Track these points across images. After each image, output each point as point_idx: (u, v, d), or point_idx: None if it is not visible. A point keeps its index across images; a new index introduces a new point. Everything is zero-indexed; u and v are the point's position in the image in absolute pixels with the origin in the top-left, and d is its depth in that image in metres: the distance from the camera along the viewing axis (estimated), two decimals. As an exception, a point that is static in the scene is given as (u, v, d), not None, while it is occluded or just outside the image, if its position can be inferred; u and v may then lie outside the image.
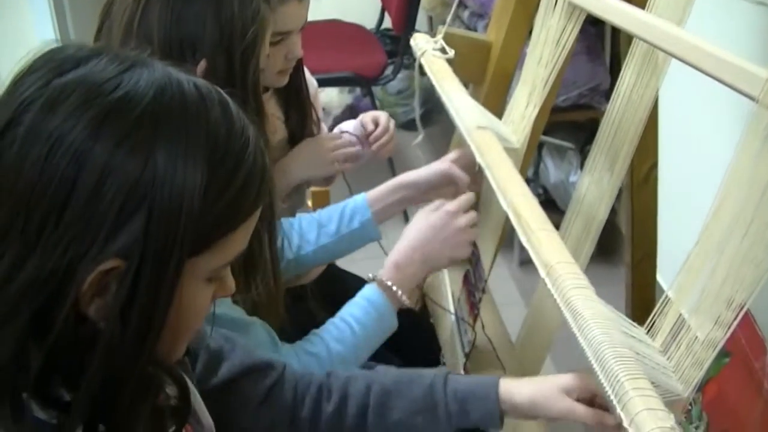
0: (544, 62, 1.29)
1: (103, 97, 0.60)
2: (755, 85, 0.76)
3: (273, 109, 1.42)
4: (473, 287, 1.47)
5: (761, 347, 0.99)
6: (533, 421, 1.29)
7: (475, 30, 2.64)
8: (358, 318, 1.13)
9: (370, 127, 1.54)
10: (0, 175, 0.60)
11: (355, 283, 1.50)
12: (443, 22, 1.55)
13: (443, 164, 1.35)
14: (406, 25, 3.09)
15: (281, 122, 1.44)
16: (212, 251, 0.65)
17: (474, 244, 1.33)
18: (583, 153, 2.57)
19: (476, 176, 1.33)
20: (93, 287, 0.60)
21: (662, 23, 0.94)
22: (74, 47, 0.65)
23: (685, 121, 1.94)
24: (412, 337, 1.20)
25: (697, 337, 0.84)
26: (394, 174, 2.89)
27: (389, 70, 3.17)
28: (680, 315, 0.88)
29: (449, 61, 1.47)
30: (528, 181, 1.31)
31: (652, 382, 0.74)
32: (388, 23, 3.54)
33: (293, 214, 1.41)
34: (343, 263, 1.59)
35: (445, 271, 1.66)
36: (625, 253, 1.63)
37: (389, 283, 1.15)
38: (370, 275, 1.17)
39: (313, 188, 1.69)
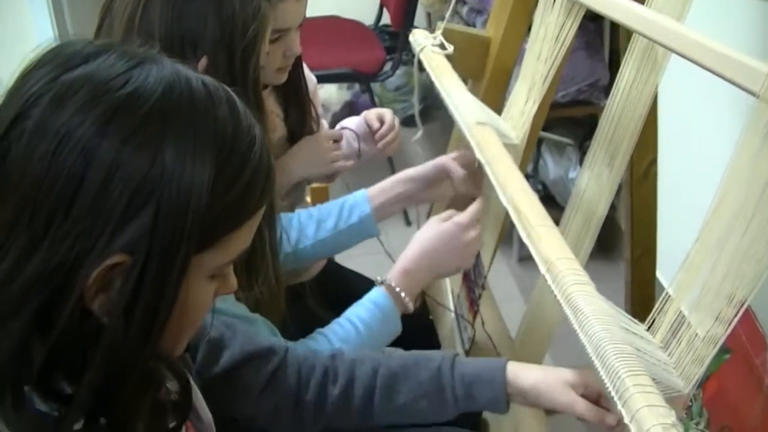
0: (543, 58, 1.28)
1: (112, 94, 0.60)
2: (756, 80, 0.76)
3: (272, 106, 1.42)
4: (473, 284, 1.47)
5: (762, 343, 0.99)
6: (534, 421, 1.29)
7: (474, 26, 2.64)
8: (364, 319, 1.13)
9: (376, 125, 1.54)
10: (8, 168, 0.60)
11: (355, 281, 1.50)
12: (442, 18, 1.55)
13: (440, 158, 1.37)
14: (405, 21, 3.08)
15: (280, 120, 1.44)
16: (217, 248, 0.65)
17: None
18: (582, 149, 2.57)
19: (476, 175, 1.33)
20: (98, 282, 0.60)
21: (662, 18, 0.94)
22: (82, 43, 0.65)
23: (684, 116, 1.94)
24: (411, 334, 1.20)
25: (697, 334, 0.84)
26: (393, 171, 2.92)
27: (388, 66, 3.17)
28: (680, 311, 0.88)
29: (448, 57, 1.47)
30: (527, 177, 1.31)
31: (653, 379, 0.74)
32: (386, 19, 3.53)
33: (292, 211, 1.40)
34: (341, 259, 1.59)
35: (445, 268, 1.66)
36: (624, 249, 1.63)
37: (398, 289, 1.16)
38: (379, 278, 1.18)
39: (313, 185, 1.69)
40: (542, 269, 0.90)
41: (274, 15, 1.13)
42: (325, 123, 1.61)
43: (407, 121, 3.08)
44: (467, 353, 1.45)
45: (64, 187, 0.59)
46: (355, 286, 1.31)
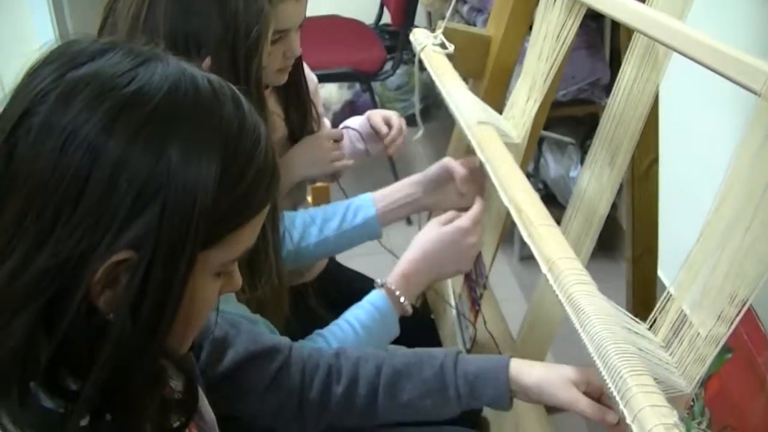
0: (544, 57, 1.28)
1: (118, 91, 0.61)
2: (757, 78, 0.75)
3: (273, 106, 1.42)
4: (474, 283, 1.47)
5: (764, 343, 0.99)
6: (535, 418, 1.29)
7: (475, 25, 2.63)
8: (363, 321, 1.13)
9: (384, 129, 1.54)
10: (15, 165, 0.60)
11: (356, 281, 1.50)
12: (442, 17, 1.55)
13: (443, 159, 1.38)
14: (405, 20, 3.08)
15: (281, 120, 1.44)
16: (222, 245, 0.65)
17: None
18: (583, 148, 2.56)
19: (479, 176, 1.33)
20: (104, 278, 0.61)
21: (663, 17, 0.94)
22: (88, 41, 0.65)
23: (686, 115, 1.94)
24: (413, 333, 1.20)
25: (699, 333, 0.83)
26: (394, 170, 2.92)
27: (388, 66, 3.17)
28: (682, 311, 0.88)
29: (449, 57, 1.47)
30: (528, 176, 1.31)
31: (655, 378, 0.74)
32: (387, 18, 3.53)
33: (295, 209, 1.41)
34: (342, 259, 1.59)
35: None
36: (625, 248, 1.63)
37: (397, 293, 1.17)
38: (378, 281, 1.18)
39: (317, 184, 1.69)
40: (544, 269, 0.90)
41: (275, 15, 1.14)
42: (327, 122, 1.61)
43: (408, 120, 3.06)
44: (469, 353, 1.45)
45: (70, 185, 0.59)
46: (357, 285, 1.31)
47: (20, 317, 0.60)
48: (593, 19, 2.32)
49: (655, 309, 0.91)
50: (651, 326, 0.91)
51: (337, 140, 1.49)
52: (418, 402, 0.97)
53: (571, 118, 2.58)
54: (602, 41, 2.44)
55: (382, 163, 2.83)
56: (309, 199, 1.68)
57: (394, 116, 1.55)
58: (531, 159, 2.51)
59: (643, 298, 1.61)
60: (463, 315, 1.52)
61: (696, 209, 0.91)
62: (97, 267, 0.60)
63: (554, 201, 2.59)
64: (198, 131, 0.62)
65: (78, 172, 0.59)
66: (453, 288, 1.62)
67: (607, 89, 2.37)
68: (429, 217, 1.65)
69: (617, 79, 1.15)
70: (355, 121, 1.59)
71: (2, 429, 0.61)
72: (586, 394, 0.91)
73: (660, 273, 1.68)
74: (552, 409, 1.05)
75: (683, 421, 0.86)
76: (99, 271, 0.60)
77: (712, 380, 1.03)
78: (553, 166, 2.61)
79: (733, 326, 0.80)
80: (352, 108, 3.47)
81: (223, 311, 0.82)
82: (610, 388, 0.74)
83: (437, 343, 1.60)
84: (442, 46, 1.48)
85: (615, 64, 2.38)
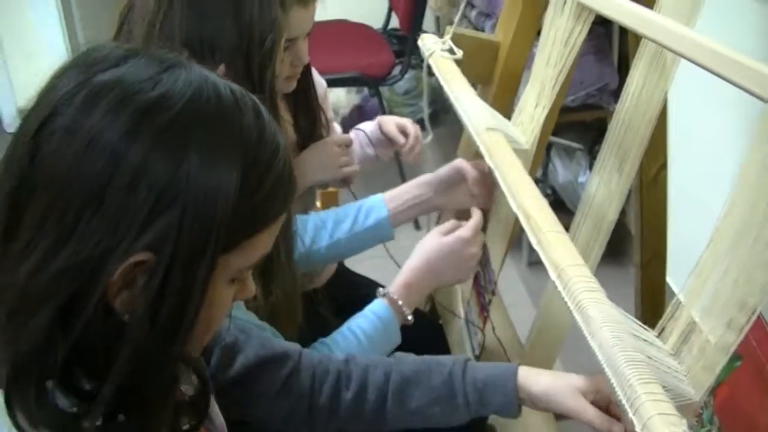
0: (552, 62, 1.28)
1: (141, 96, 0.62)
2: (764, 85, 0.75)
3: (282, 112, 1.42)
4: (483, 289, 1.47)
5: (773, 349, 0.98)
6: (543, 426, 1.29)
7: (483, 30, 2.63)
8: (366, 330, 1.14)
9: (400, 138, 1.54)
10: (39, 167, 0.61)
11: (365, 286, 1.50)
12: (450, 22, 1.55)
13: (454, 161, 1.39)
14: (414, 24, 3.09)
15: (290, 126, 1.44)
16: (239, 251, 0.66)
17: (484, 246, 1.33)
18: (591, 153, 2.56)
19: (488, 180, 1.33)
20: (121, 279, 0.61)
21: (670, 23, 0.94)
22: (111, 47, 0.66)
23: (694, 121, 1.93)
24: (421, 339, 1.20)
25: (708, 341, 0.83)
26: (402, 174, 2.92)
27: (397, 71, 3.17)
28: (691, 318, 0.88)
29: (457, 62, 1.47)
30: (536, 181, 1.31)
31: (664, 386, 0.74)
32: (395, 23, 3.53)
33: (306, 213, 1.41)
34: (350, 262, 1.59)
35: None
36: (634, 254, 1.62)
37: (399, 302, 1.17)
38: (381, 290, 1.19)
39: (328, 189, 1.69)
40: (552, 276, 0.90)
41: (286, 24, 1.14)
42: (338, 127, 1.61)
43: (416, 126, 3.07)
44: (477, 359, 1.45)
45: (92, 187, 0.60)
46: (365, 291, 1.31)
47: (38, 316, 0.61)
48: (601, 24, 2.31)
49: (664, 316, 0.90)
50: (660, 333, 0.91)
51: (347, 146, 1.49)
52: (427, 409, 0.97)
53: (579, 124, 2.58)
54: (610, 46, 2.44)
55: (392, 167, 2.83)
56: (318, 204, 1.68)
57: (408, 124, 1.55)
58: (539, 165, 2.50)
59: (651, 304, 1.61)
60: (471, 321, 1.51)
61: (705, 215, 0.91)
62: (115, 267, 0.60)
63: (563, 207, 2.59)
64: (219, 139, 0.63)
65: (100, 176, 0.60)
66: (462, 294, 1.62)
67: (616, 95, 2.36)
68: (438, 221, 1.65)
69: (626, 85, 1.14)
70: (366, 127, 1.59)
71: (17, 427, 0.62)
72: (593, 403, 0.91)
73: (669, 279, 1.67)
74: (560, 416, 1.05)
75: (692, 430, 0.86)
76: (117, 271, 0.61)
77: (721, 388, 1.03)
78: (561, 171, 2.60)
79: (743, 334, 0.79)
80: (360, 112, 3.48)
81: (234, 317, 0.82)
82: (619, 396, 0.74)
83: (446, 349, 1.59)
84: (451, 51, 1.48)
85: (623, 69, 2.37)
